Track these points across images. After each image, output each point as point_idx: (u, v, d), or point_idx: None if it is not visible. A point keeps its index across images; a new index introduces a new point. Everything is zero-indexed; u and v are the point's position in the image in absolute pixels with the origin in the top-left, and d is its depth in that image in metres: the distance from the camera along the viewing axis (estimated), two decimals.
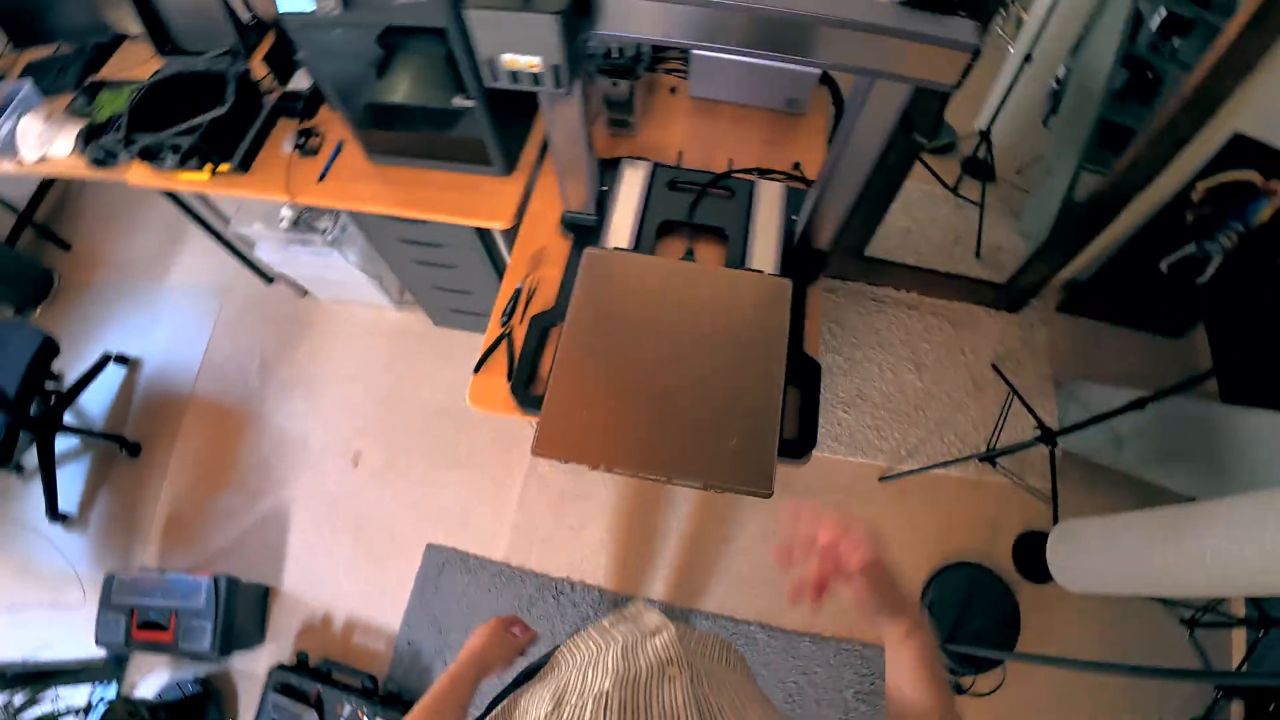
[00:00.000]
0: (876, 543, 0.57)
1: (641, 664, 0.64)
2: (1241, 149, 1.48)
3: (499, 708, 0.61)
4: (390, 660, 1.80)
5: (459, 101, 1.31)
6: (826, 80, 1.56)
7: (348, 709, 1.65)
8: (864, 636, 1.76)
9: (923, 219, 2.29)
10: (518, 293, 1.30)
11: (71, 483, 2.07)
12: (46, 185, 2.55)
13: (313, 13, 1.10)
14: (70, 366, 2.18)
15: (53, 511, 1.97)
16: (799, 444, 1.13)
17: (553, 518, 1.93)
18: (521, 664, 0.82)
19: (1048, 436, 1.65)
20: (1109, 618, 1.75)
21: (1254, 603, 1.52)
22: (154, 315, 2.34)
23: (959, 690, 1.69)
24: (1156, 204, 1.70)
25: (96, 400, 2.18)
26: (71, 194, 2.65)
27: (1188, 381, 1.26)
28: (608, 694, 0.56)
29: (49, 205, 2.58)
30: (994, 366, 2.07)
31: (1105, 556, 1.45)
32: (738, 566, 1.86)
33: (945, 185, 2.33)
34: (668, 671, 0.63)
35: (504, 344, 1.25)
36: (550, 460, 1.08)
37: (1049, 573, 1.76)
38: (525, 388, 1.18)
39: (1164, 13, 1.68)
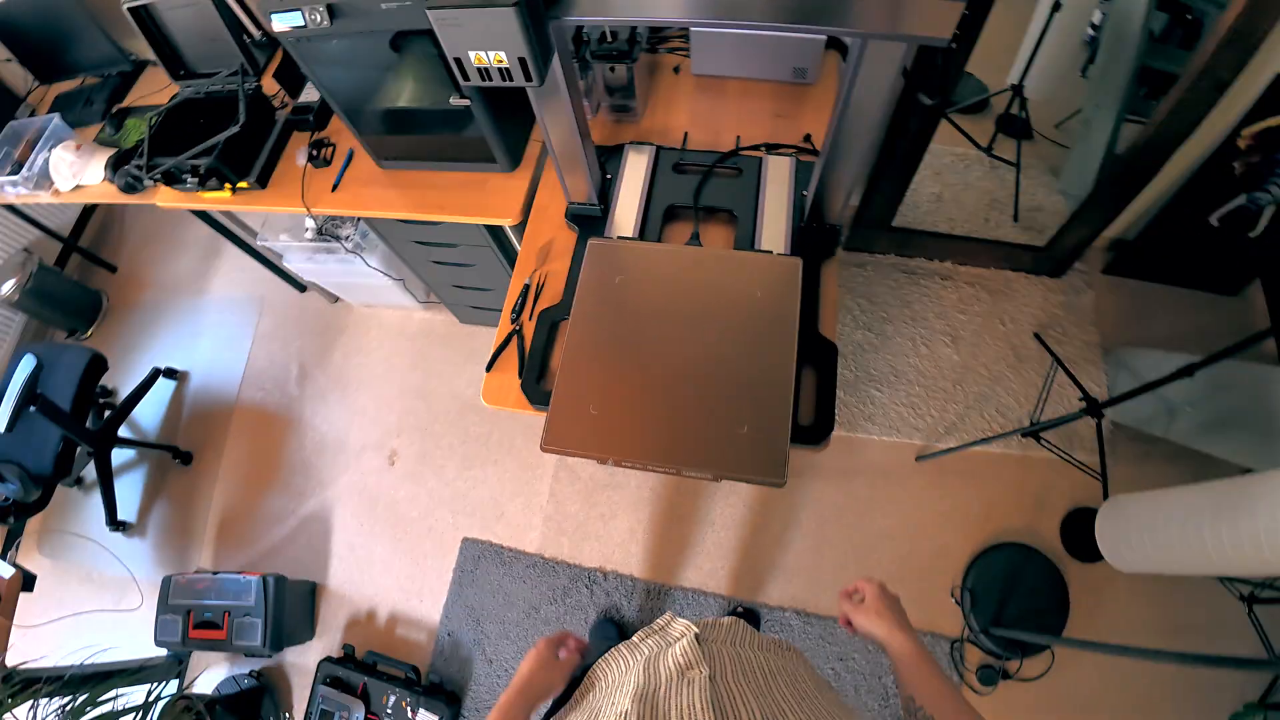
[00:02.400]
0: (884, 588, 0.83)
1: (662, 675, 0.65)
2: None
3: None
4: (432, 651, 1.85)
5: (455, 101, 1.30)
6: (835, 44, 1.50)
7: (392, 699, 1.71)
8: None
9: (955, 183, 2.18)
10: (526, 289, 1.29)
11: (129, 492, 2.20)
12: (88, 212, 2.69)
13: (303, 26, 1.12)
14: (123, 382, 2.31)
15: (113, 521, 2.10)
16: (816, 429, 1.10)
17: (584, 508, 1.94)
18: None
19: (1093, 408, 1.55)
20: (1163, 595, 1.65)
21: None
22: (197, 329, 2.45)
23: (1004, 675, 1.63)
24: (1201, 154, 1.58)
25: (149, 413, 2.30)
26: (113, 218, 2.79)
27: (1240, 344, 1.16)
28: (626, 712, 0.57)
29: (93, 230, 2.73)
30: (1036, 336, 1.96)
31: (1156, 534, 1.36)
32: (772, 555, 1.83)
33: (978, 146, 2.21)
34: (687, 675, 0.63)
35: (514, 341, 1.26)
36: (558, 455, 1.08)
37: (1099, 551, 1.68)
38: (537, 383, 1.18)
39: None
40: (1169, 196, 1.72)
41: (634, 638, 0.84)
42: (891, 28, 0.73)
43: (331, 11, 1.08)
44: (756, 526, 1.87)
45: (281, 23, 1.11)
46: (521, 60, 0.76)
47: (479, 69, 0.78)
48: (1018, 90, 2.10)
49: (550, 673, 0.82)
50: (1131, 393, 1.43)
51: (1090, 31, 1.92)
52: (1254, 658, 1.02)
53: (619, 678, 0.71)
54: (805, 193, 1.27)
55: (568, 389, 1.10)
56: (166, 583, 1.82)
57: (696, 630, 0.74)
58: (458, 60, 0.78)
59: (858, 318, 2.10)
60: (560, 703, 0.78)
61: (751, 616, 1.75)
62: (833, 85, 1.48)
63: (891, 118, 1.73)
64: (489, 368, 1.25)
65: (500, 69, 0.77)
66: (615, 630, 1.79)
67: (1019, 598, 1.66)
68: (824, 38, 1.39)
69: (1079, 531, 1.73)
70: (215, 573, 1.82)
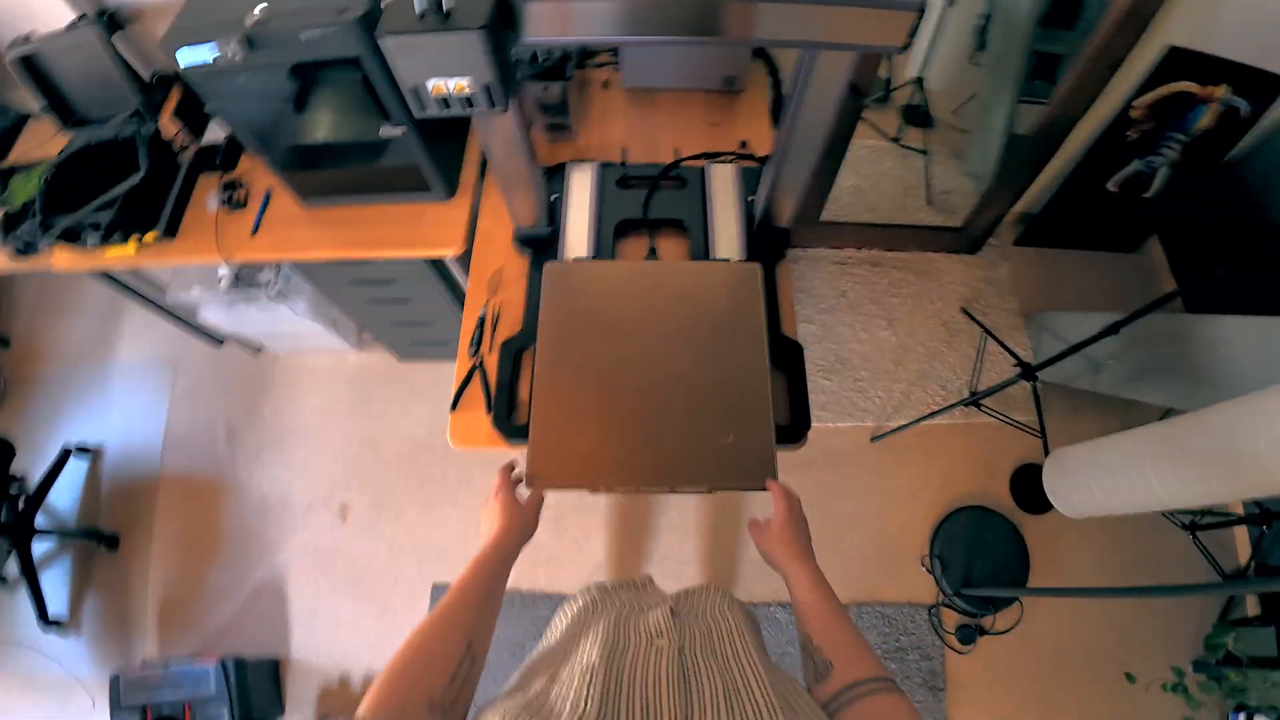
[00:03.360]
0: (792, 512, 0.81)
1: (631, 637, 0.65)
2: (1175, 61, 1.50)
3: (511, 684, 0.64)
4: None
5: (386, 131, 1.24)
6: (760, 53, 1.54)
7: None
8: (882, 597, 1.78)
9: (871, 174, 2.29)
10: (482, 320, 1.25)
11: (56, 586, 1.97)
12: None
13: (215, 62, 1.03)
14: (32, 466, 2.07)
15: (44, 619, 1.87)
16: (793, 428, 1.13)
17: (555, 534, 1.90)
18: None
19: (1027, 372, 1.67)
20: (1111, 534, 1.79)
21: (1254, 500, 1.57)
22: (107, 399, 2.22)
23: (981, 631, 1.72)
24: (1097, 127, 1.73)
25: (64, 497, 2.07)
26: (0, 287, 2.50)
27: (1157, 301, 1.27)
28: (594, 667, 0.57)
29: None
30: (964, 310, 2.09)
31: (1101, 480, 1.47)
32: (747, 552, 1.86)
33: (889, 137, 2.33)
34: (656, 644, 0.63)
35: (477, 376, 1.21)
36: (547, 490, 1.04)
37: (1047, 502, 1.80)
38: (507, 418, 1.14)
39: None
40: (1070, 169, 1.88)
41: (607, 584, 0.83)
42: (847, 38, 0.75)
43: (249, 43, 1.01)
44: (730, 527, 1.89)
45: (190, 58, 1.03)
46: (487, 87, 0.73)
47: (439, 98, 0.74)
48: (919, 83, 2.24)
49: (523, 516, 0.82)
50: (1062, 354, 1.54)
51: (979, 20, 2.06)
52: (1208, 582, 1.13)
53: (587, 628, 0.69)
54: (752, 198, 1.30)
55: (545, 420, 1.07)
56: (115, 681, 1.63)
57: (671, 604, 0.74)
58: (414, 90, 0.74)
59: (799, 311, 2.16)
60: None
61: None
62: (760, 92, 1.51)
63: None
64: (454, 407, 1.20)
65: (462, 97, 0.74)
66: None
67: (983, 557, 1.76)
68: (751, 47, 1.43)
69: (1027, 487, 1.85)
70: (166, 664, 1.65)
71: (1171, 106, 1.60)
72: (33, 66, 1.43)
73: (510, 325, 1.24)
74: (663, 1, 0.74)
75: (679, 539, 1.87)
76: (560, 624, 0.74)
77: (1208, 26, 1.46)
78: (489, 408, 1.17)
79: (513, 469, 0.85)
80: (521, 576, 1.86)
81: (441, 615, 0.64)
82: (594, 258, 1.24)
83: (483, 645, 0.66)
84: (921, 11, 0.71)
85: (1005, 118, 1.98)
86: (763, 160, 1.37)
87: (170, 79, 1.64)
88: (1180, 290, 1.26)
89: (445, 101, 0.75)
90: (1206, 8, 1.42)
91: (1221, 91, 1.56)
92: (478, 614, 0.67)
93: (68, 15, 1.46)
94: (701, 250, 1.26)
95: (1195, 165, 1.73)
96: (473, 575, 0.70)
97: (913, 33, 0.73)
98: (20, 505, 1.91)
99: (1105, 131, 1.71)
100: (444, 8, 0.67)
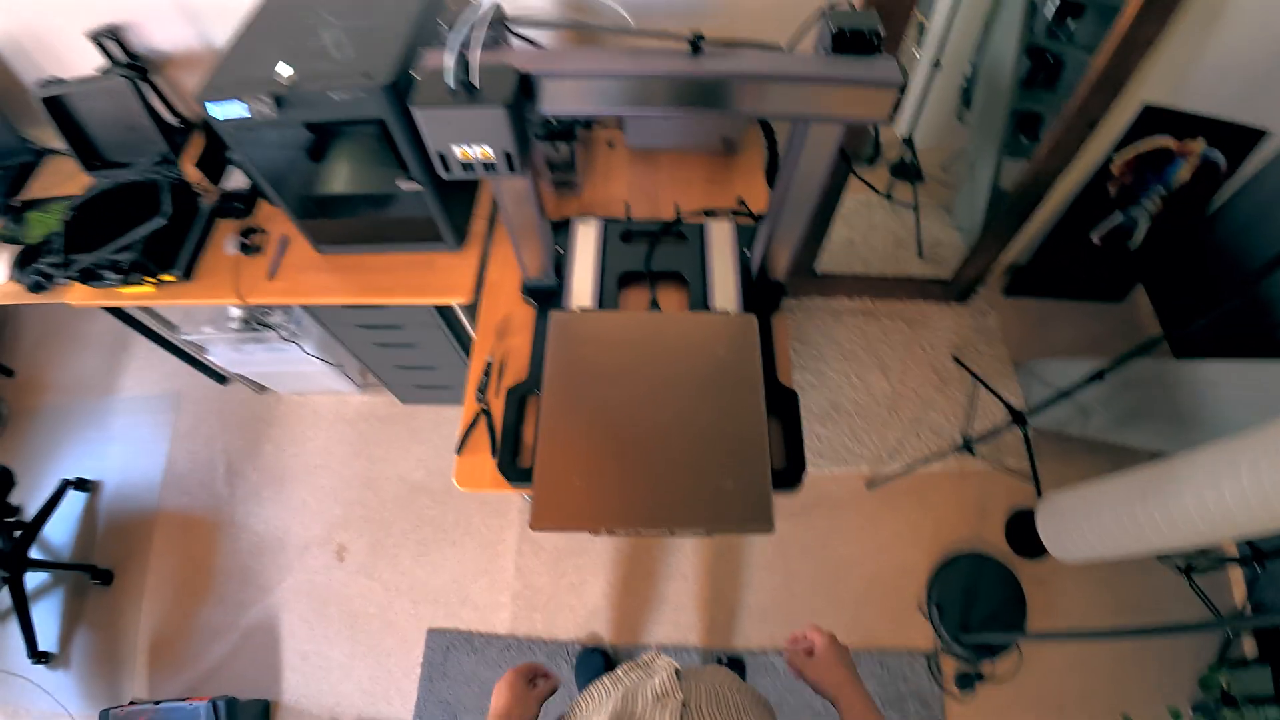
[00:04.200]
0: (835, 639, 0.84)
1: (639, 702, 0.68)
2: (1152, 118, 1.59)
3: None
4: None
5: (406, 186, 1.31)
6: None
7: None
8: (880, 644, 1.78)
9: (863, 228, 2.37)
10: (489, 366, 1.29)
11: (47, 619, 1.96)
12: None
13: (248, 118, 1.10)
14: (29, 498, 2.07)
15: (33, 652, 1.85)
16: (789, 473, 1.16)
17: (552, 579, 1.90)
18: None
19: (1019, 418, 1.71)
20: (1106, 577, 1.81)
21: (1245, 540, 1.60)
22: (108, 433, 2.24)
23: (980, 678, 1.71)
24: (1079, 182, 1.81)
25: (60, 530, 2.07)
26: (6, 317, 2.53)
27: (1141, 347, 1.32)
28: None
29: None
30: (955, 358, 2.14)
31: (1094, 524, 1.50)
32: (745, 598, 1.85)
33: (880, 193, 2.43)
34: (662, 701, 0.66)
35: (482, 420, 1.24)
36: (550, 532, 1.07)
37: (1042, 547, 1.82)
38: (512, 462, 1.17)
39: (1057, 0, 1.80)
40: (1054, 222, 1.96)
41: (618, 670, 0.86)
42: (836, 112, 0.82)
43: (278, 101, 1.07)
44: (726, 573, 1.89)
45: (224, 113, 1.09)
46: (508, 154, 0.79)
47: (462, 163, 0.80)
48: (908, 142, 2.34)
49: (525, 704, 0.82)
50: (1051, 400, 1.59)
51: (963, 79, 2.18)
52: (1204, 621, 1.14)
53: (597, 706, 0.72)
54: (748, 253, 1.36)
55: (550, 464, 1.10)
56: (104, 718, 1.61)
57: (677, 666, 0.77)
58: (440, 154, 0.80)
59: (793, 360, 2.21)
60: None
61: (737, 665, 1.75)
62: (757, 153, 1.59)
63: None
64: (459, 450, 1.23)
65: (485, 163, 0.80)
66: (601, 660, 1.76)
67: (981, 603, 1.76)
68: None
69: (1021, 532, 1.87)
70: (157, 703, 1.63)
71: (1150, 161, 1.68)
72: (59, 107, 1.50)
73: (516, 372, 1.28)
74: (671, 82, 0.81)
75: (676, 584, 1.87)
76: (576, 710, 0.77)
77: (1182, 84, 1.53)
78: (494, 451, 1.21)
79: (533, 673, 0.88)
80: (518, 621, 1.85)
81: None
82: (598, 308, 1.30)
83: None
84: (903, 89, 0.78)
85: (991, 173, 2.07)
86: (758, 217, 1.44)
87: (191, 125, 1.72)
88: (1164, 332, 1.31)
89: (468, 166, 0.81)
90: (1179, 67, 1.49)
91: (1198, 145, 1.65)
92: None
93: (96, 59, 1.54)
94: (700, 301, 1.31)
95: (1175, 216, 1.81)
96: None
97: (896, 107, 0.80)
98: (16, 536, 1.91)
99: (1087, 185, 1.79)
100: (472, 84, 0.74)
